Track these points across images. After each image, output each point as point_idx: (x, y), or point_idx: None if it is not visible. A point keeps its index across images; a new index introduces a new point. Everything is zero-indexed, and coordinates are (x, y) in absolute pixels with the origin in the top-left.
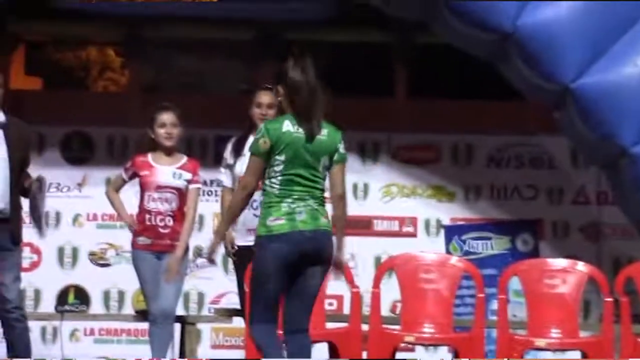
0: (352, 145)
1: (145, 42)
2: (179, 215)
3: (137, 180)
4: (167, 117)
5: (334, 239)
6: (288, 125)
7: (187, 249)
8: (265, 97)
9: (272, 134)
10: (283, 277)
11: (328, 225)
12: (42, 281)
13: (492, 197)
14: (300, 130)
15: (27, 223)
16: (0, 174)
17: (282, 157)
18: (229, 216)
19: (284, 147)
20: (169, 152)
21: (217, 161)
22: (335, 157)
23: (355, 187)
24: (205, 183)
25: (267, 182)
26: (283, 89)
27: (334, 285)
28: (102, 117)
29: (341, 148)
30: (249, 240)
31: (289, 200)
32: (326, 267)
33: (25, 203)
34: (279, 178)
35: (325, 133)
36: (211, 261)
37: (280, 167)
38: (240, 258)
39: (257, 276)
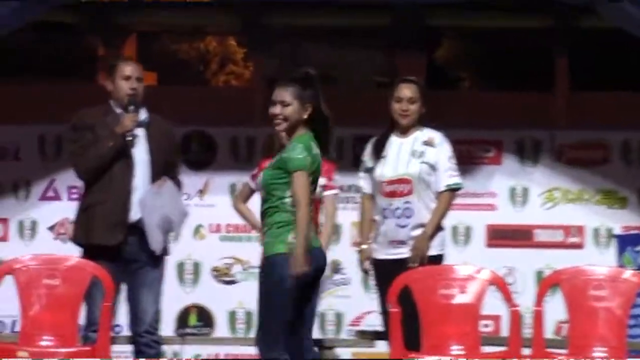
0: (509, 145)
1: (271, 30)
2: (313, 225)
3: None
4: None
5: None
6: (316, 147)
7: None
8: (406, 91)
9: (314, 156)
10: (302, 297)
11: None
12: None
13: None
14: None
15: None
16: (139, 180)
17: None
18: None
19: (315, 169)
20: None
21: (355, 164)
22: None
23: (512, 192)
24: (342, 189)
25: (281, 200)
26: (310, 106)
27: (490, 305)
28: (224, 116)
29: None
30: (391, 254)
31: None
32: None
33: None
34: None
35: None
36: (365, 272)
37: None
38: (382, 273)
39: (278, 297)
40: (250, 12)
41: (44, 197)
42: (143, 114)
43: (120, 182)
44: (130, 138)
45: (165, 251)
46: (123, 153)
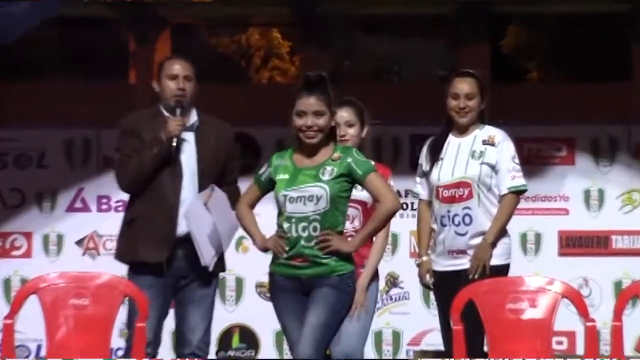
0: (583, 142)
1: (320, 21)
2: None
3: None
4: (343, 115)
5: None
6: None
7: (377, 277)
8: (463, 85)
9: None
10: None
11: None
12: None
13: None
14: None
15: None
16: (188, 190)
17: None
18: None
19: None
20: None
21: (412, 166)
22: None
23: (587, 194)
24: (398, 194)
25: (343, 213)
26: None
27: (564, 320)
28: (268, 115)
29: None
30: (450, 265)
31: None
32: None
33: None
34: None
35: None
36: (426, 286)
37: None
38: (442, 287)
39: (342, 314)
40: (298, 1)
41: (71, 209)
42: (193, 117)
43: (167, 193)
44: (175, 144)
45: (219, 267)
46: (169, 161)
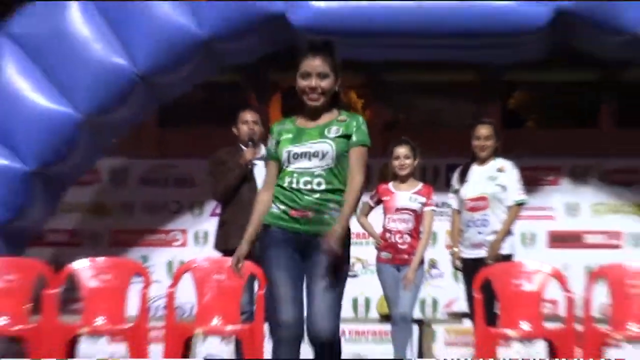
0: (565, 170)
1: (385, 84)
2: (415, 233)
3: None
4: (401, 150)
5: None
6: None
7: (422, 262)
8: (483, 130)
9: None
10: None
11: None
12: None
13: None
14: None
15: None
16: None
17: None
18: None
19: None
20: (405, 179)
21: (447, 186)
22: None
23: (567, 206)
24: (437, 205)
25: (345, 170)
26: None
27: (551, 292)
28: None
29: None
30: (473, 254)
31: None
32: None
33: None
34: None
35: None
36: (456, 268)
37: None
38: (467, 268)
39: (344, 271)
40: (372, 70)
41: (213, 214)
42: (262, 149)
43: (247, 201)
44: (251, 167)
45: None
46: (247, 178)
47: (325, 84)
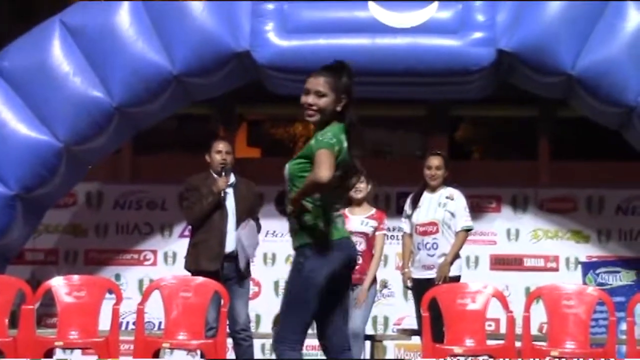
0: (506, 198)
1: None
2: (367, 255)
3: None
4: (434, 161)
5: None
6: (345, 140)
7: (375, 281)
8: (434, 161)
9: (342, 146)
10: (331, 289)
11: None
12: (262, 308)
13: (620, 239)
14: None
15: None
16: (230, 224)
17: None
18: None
19: (341, 160)
20: (359, 204)
21: (398, 212)
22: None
23: (508, 231)
24: (389, 229)
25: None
26: (345, 98)
27: (493, 311)
28: None
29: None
30: (423, 274)
31: None
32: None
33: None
34: None
35: None
36: (407, 288)
37: None
38: (417, 288)
39: (306, 290)
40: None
41: (181, 235)
42: (232, 178)
43: (218, 226)
44: (223, 195)
45: (248, 273)
46: (219, 205)
47: (322, 102)
